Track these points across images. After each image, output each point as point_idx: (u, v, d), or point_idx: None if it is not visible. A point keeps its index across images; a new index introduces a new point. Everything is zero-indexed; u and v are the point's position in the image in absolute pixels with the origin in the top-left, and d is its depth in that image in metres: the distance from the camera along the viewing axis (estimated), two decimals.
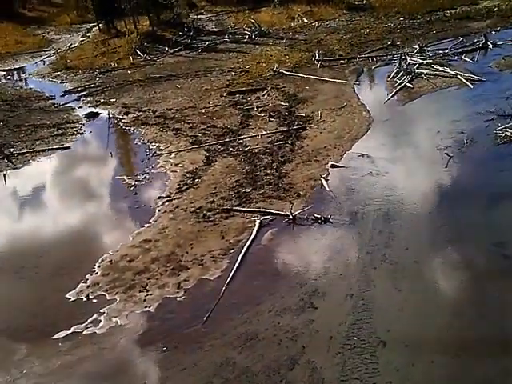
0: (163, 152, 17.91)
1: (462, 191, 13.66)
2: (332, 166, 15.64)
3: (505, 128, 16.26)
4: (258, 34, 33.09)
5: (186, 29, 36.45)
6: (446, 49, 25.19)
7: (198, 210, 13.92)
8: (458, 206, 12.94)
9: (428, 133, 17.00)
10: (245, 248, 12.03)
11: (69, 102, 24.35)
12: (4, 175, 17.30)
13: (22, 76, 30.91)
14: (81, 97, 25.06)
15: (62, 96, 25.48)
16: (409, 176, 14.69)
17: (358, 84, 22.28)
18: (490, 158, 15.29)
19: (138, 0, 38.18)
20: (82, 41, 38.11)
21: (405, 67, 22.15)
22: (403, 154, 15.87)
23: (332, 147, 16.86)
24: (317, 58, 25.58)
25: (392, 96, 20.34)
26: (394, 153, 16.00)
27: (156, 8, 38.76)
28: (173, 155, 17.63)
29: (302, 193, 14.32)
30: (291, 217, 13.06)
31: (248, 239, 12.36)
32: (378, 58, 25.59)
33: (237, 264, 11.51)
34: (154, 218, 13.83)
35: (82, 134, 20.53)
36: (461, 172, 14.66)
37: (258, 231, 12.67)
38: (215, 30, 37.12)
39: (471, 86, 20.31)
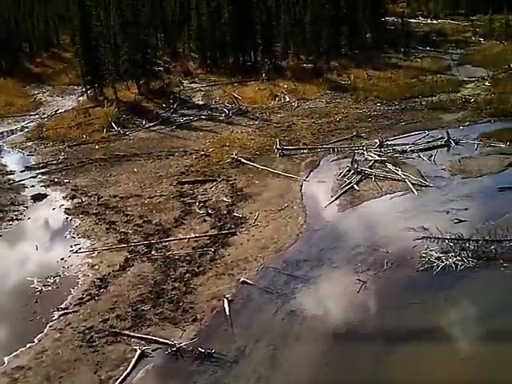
0: (87, 250, 17.56)
1: (360, 330, 13.00)
2: (243, 283, 15.08)
3: (430, 251, 15.57)
4: (235, 112, 33.07)
5: (171, 100, 36.76)
6: (408, 144, 24.67)
7: (87, 331, 13.44)
8: (350, 350, 12.26)
9: (353, 250, 16.39)
10: None
11: (25, 179, 24.29)
12: None
13: None
14: (38, 174, 25.02)
15: (22, 171, 25.49)
16: (314, 304, 14.04)
17: (308, 181, 21.76)
18: (403, 289, 14.55)
19: (127, 68, 38.82)
20: (71, 105, 38.53)
21: (355, 166, 21.65)
22: (318, 276, 15.26)
23: (253, 259, 16.34)
24: (278, 146, 25.22)
25: (334, 199, 19.78)
26: (310, 273, 15.39)
27: (146, 76, 39.25)
28: (95, 254, 17.30)
29: (199, 316, 13.77)
30: (175, 348, 12.46)
31: (120, 377, 11.76)
32: (340, 149, 25.13)
33: None
34: (40, 335, 13.38)
35: (21, 219, 20.27)
36: (367, 304, 14.00)
37: (135, 366, 12.10)
38: (200, 102, 37.27)
39: (416, 193, 19.72)
